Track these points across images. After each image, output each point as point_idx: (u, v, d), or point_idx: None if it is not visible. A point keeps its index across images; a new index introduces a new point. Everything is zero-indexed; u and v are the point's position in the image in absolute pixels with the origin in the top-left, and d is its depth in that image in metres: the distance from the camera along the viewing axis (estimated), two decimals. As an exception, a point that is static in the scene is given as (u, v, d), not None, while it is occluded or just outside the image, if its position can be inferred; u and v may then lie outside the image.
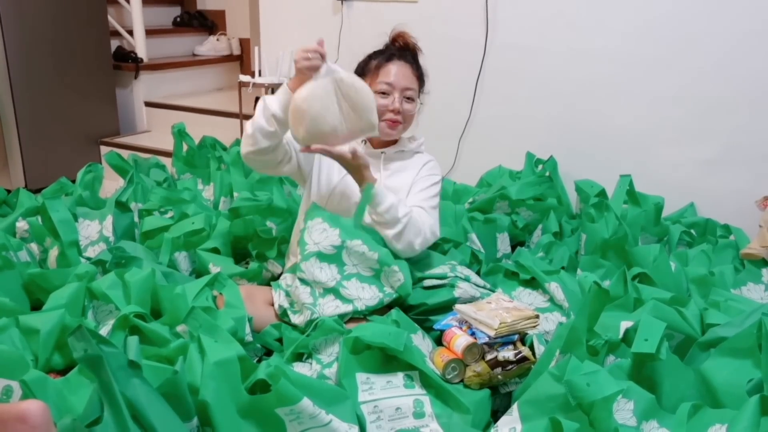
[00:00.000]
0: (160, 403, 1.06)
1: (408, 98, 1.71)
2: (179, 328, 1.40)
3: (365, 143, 1.77)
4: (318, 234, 1.59)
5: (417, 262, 1.78)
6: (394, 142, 1.79)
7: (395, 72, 1.70)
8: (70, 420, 1.00)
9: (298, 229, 1.80)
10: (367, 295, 1.55)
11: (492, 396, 1.41)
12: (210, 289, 1.56)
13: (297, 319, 1.59)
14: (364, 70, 1.75)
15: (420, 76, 1.76)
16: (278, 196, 2.08)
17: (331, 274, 1.56)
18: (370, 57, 1.76)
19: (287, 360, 1.44)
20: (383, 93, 1.69)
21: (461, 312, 1.52)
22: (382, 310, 1.62)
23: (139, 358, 1.06)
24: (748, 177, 2.25)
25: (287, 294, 1.67)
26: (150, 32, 4.00)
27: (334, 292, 1.55)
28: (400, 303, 1.63)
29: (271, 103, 1.56)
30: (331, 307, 1.54)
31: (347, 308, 1.53)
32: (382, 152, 1.76)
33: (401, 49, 1.76)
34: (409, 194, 1.74)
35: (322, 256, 1.57)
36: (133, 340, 1.08)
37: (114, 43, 3.76)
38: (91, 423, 0.99)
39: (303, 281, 1.59)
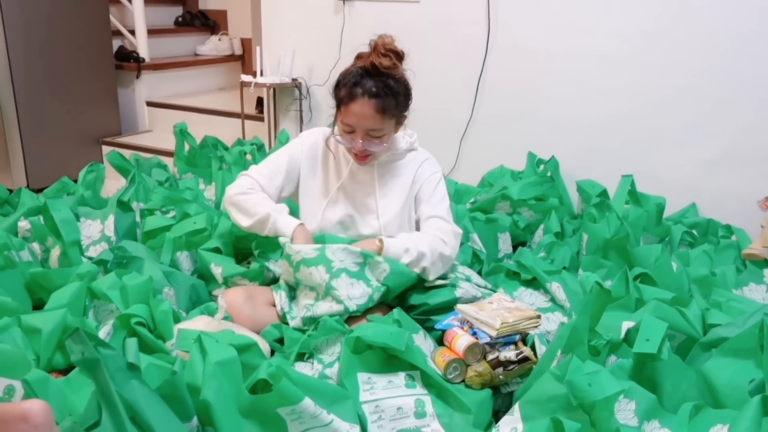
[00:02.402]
0: (159, 404, 1.06)
1: (373, 137, 1.63)
2: (169, 344, 1.40)
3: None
4: (296, 245, 1.62)
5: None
6: None
7: (355, 113, 1.59)
8: (70, 422, 1.00)
9: None
10: (356, 293, 1.55)
11: (493, 396, 1.41)
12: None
13: (293, 323, 1.60)
14: (335, 99, 1.66)
15: (389, 108, 1.60)
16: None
17: (320, 275, 1.56)
18: (339, 83, 1.64)
19: (289, 360, 1.44)
20: (347, 132, 1.64)
21: (463, 312, 1.52)
22: (383, 309, 1.62)
23: (138, 360, 1.06)
24: (750, 177, 2.24)
25: (289, 297, 1.67)
26: (152, 32, 4.01)
27: (327, 293, 1.56)
28: (400, 303, 1.64)
29: (270, 229, 1.68)
30: (324, 307, 1.55)
31: (339, 308, 1.54)
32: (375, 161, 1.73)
33: (368, 73, 1.60)
34: (422, 204, 1.74)
35: (308, 263, 1.58)
36: (132, 341, 1.08)
37: (116, 43, 3.77)
38: (90, 426, 0.99)
39: (308, 287, 1.62)
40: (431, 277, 1.65)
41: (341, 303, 1.54)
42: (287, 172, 1.76)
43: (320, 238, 1.68)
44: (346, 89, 1.61)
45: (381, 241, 1.63)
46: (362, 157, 1.67)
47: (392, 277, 1.59)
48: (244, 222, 1.70)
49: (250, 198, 1.70)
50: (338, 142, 1.70)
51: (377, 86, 1.59)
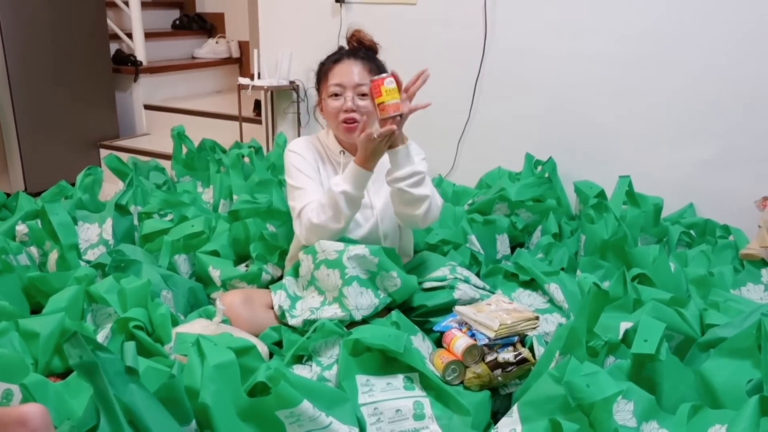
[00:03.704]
0: (157, 407, 1.06)
1: (362, 95, 1.64)
2: (167, 347, 1.40)
3: (344, 153, 1.72)
4: (325, 241, 1.60)
5: (417, 265, 1.78)
6: None
7: (343, 71, 1.64)
8: (68, 426, 1.00)
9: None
10: (364, 303, 1.56)
11: (492, 397, 1.41)
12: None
13: (293, 321, 1.59)
14: (318, 77, 1.72)
15: (374, 70, 1.65)
16: (278, 199, 2.08)
17: (335, 280, 1.56)
18: (322, 63, 1.72)
19: (287, 362, 1.44)
20: (335, 95, 1.65)
21: (461, 313, 1.52)
22: (381, 312, 1.62)
23: (136, 363, 1.06)
24: (747, 177, 2.25)
25: (288, 296, 1.67)
26: (149, 35, 4.01)
27: (337, 300, 1.56)
28: (398, 305, 1.64)
29: (351, 191, 1.55)
30: (329, 312, 1.55)
31: (343, 315, 1.54)
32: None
33: (353, 48, 1.72)
34: None
35: (328, 264, 1.58)
36: (130, 345, 1.08)
37: (113, 47, 3.77)
38: (88, 430, 0.99)
39: (319, 290, 1.61)
40: (421, 213, 1.59)
41: (347, 311, 1.54)
42: (317, 180, 1.71)
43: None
44: (331, 59, 1.69)
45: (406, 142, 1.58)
46: (351, 122, 1.63)
47: (401, 291, 1.60)
48: (338, 222, 1.58)
49: (315, 209, 1.60)
50: (328, 111, 1.68)
51: (361, 52, 1.69)
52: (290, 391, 1.13)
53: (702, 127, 2.29)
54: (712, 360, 1.30)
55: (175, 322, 1.51)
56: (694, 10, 2.21)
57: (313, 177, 1.69)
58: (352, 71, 1.64)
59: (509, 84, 2.59)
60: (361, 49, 1.71)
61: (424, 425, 1.30)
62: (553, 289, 1.72)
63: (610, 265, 1.89)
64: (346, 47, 1.74)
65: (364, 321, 1.57)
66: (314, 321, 1.55)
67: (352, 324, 1.56)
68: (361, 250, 1.56)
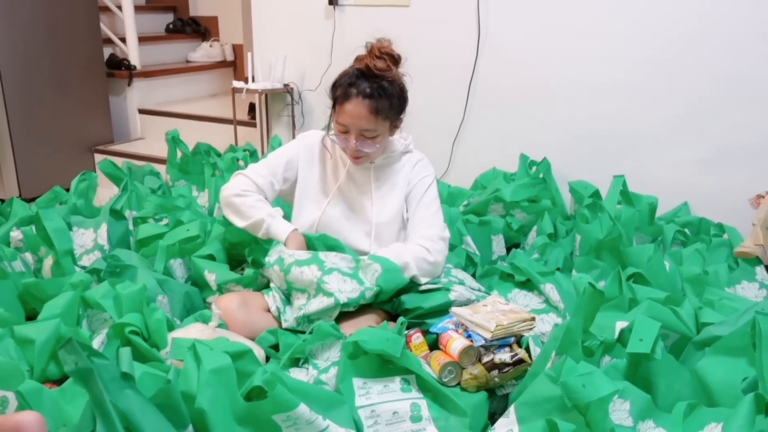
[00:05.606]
0: (153, 413, 1.06)
1: (367, 137, 1.65)
2: (163, 353, 1.40)
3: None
4: (296, 250, 1.67)
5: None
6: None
7: (350, 112, 1.62)
8: (64, 433, 1.00)
9: None
10: (348, 288, 1.57)
11: (489, 398, 1.41)
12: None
13: (286, 324, 1.60)
14: (332, 94, 1.69)
15: (383, 109, 1.63)
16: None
17: (312, 273, 1.58)
18: (336, 84, 1.67)
19: (283, 365, 1.44)
20: (342, 132, 1.67)
21: (457, 315, 1.52)
22: (380, 314, 1.63)
23: (132, 369, 1.06)
24: (741, 176, 2.26)
25: (281, 298, 1.67)
26: (143, 39, 4.00)
27: (318, 290, 1.57)
28: (395, 307, 1.64)
29: (265, 228, 1.71)
30: (315, 304, 1.56)
31: (330, 301, 1.55)
32: (371, 162, 1.75)
33: (363, 75, 1.63)
34: (412, 209, 1.77)
35: (300, 263, 1.60)
36: (126, 351, 1.08)
37: (107, 51, 3.76)
38: (84, 437, 0.99)
39: (299, 290, 1.63)
40: (421, 281, 1.67)
41: (331, 296, 1.55)
42: (284, 172, 1.78)
43: (317, 238, 1.72)
44: (341, 89, 1.65)
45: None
46: (356, 157, 1.70)
47: (384, 276, 1.60)
48: (238, 223, 1.75)
49: (246, 200, 1.72)
50: (333, 141, 1.72)
51: (371, 87, 1.62)
52: (287, 395, 1.13)
53: (696, 126, 2.30)
54: (708, 358, 1.30)
55: (171, 327, 1.51)
56: (688, 10, 2.22)
57: (279, 169, 1.78)
58: (357, 114, 1.62)
59: (503, 85, 2.59)
60: (375, 79, 1.63)
61: (421, 427, 1.30)
62: (549, 289, 1.72)
63: (605, 265, 1.89)
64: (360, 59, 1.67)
65: (357, 317, 1.58)
66: (306, 317, 1.57)
67: (346, 322, 1.56)
68: (332, 253, 1.65)
